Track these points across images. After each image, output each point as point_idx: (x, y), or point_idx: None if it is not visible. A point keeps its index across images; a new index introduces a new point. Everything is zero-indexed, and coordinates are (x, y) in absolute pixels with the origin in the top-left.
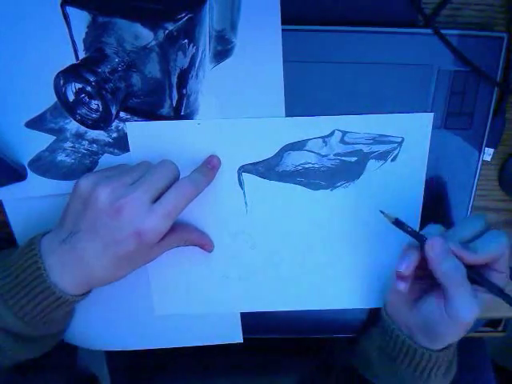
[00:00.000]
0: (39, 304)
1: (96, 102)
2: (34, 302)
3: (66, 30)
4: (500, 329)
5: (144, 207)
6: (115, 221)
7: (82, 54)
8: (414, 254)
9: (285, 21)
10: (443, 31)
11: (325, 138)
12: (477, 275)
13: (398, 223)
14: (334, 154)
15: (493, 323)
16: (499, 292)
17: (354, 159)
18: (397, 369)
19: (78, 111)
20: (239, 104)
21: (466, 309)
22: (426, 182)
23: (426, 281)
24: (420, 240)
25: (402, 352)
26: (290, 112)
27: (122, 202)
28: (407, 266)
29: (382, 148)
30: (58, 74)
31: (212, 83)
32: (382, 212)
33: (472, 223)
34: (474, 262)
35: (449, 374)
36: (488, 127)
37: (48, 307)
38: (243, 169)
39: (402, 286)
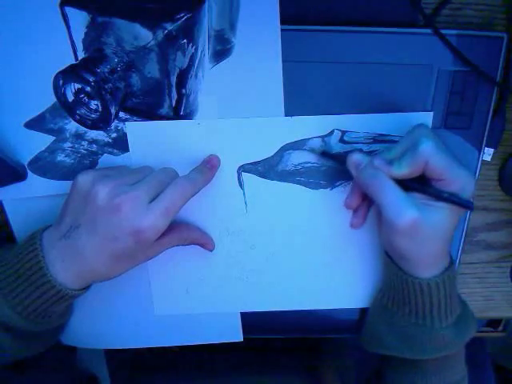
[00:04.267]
0: (39, 298)
1: (95, 102)
2: (33, 295)
3: (65, 31)
4: (500, 329)
5: (142, 205)
6: (114, 218)
7: (81, 55)
8: (354, 184)
9: (284, 21)
10: (443, 31)
11: (324, 138)
12: (416, 183)
13: (325, 154)
14: (334, 154)
15: (493, 323)
16: (438, 194)
17: None
18: (402, 324)
19: (78, 111)
20: (238, 104)
21: (394, 210)
22: None
23: None
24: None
25: (400, 293)
26: (290, 112)
27: (120, 200)
28: (349, 197)
29: (382, 147)
30: (57, 74)
31: (211, 83)
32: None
33: (401, 143)
34: (400, 173)
35: (461, 329)
36: (488, 127)
37: (47, 301)
38: (243, 168)
39: (353, 222)
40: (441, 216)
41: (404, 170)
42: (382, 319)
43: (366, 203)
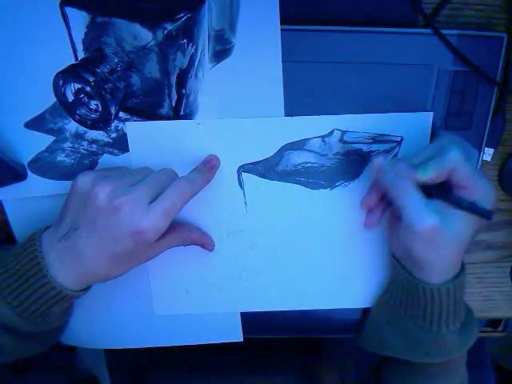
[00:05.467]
0: (39, 299)
1: (95, 102)
2: (33, 297)
3: (65, 31)
4: (500, 329)
5: (142, 206)
6: (114, 219)
7: (81, 55)
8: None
9: (284, 21)
10: (443, 31)
11: (324, 138)
12: (438, 190)
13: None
14: (334, 154)
15: (493, 323)
16: (459, 202)
17: (353, 158)
18: (407, 326)
19: (78, 111)
20: (238, 104)
21: (415, 214)
22: None
23: None
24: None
25: (407, 296)
26: (290, 112)
27: (120, 201)
28: (367, 195)
29: (382, 147)
30: (57, 74)
31: (211, 83)
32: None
33: (428, 148)
34: (425, 178)
35: (466, 334)
36: (488, 127)
37: (47, 302)
38: (243, 168)
39: (368, 221)
40: (460, 224)
41: (429, 175)
42: (386, 319)
43: (382, 204)
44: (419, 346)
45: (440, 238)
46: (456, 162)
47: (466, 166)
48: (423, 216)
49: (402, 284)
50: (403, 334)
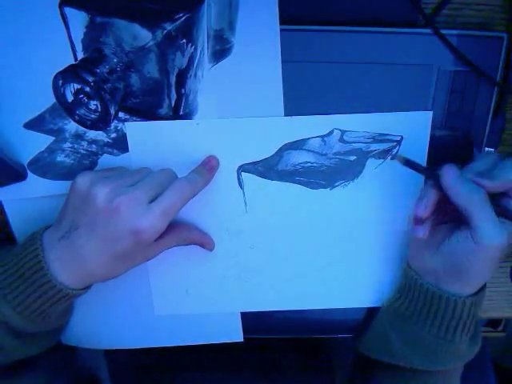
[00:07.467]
0: (39, 298)
1: (95, 102)
2: (33, 296)
3: (65, 31)
4: (500, 329)
5: (142, 206)
6: (113, 219)
7: (80, 55)
8: (430, 193)
9: (284, 21)
10: (443, 31)
11: (324, 137)
12: (500, 205)
13: (409, 163)
14: (334, 153)
15: (493, 323)
16: None
17: (353, 158)
18: (418, 334)
19: (77, 112)
20: (238, 103)
21: (491, 230)
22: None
23: (447, 224)
24: (434, 176)
25: (425, 306)
26: (289, 112)
27: (119, 201)
28: (425, 208)
29: (382, 147)
30: (56, 74)
31: (211, 83)
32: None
33: (485, 158)
34: (493, 189)
35: (473, 343)
36: (488, 127)
37: (48, 301)
38: (242, 168)
39: (421, 233)
40: (510, 240)
41: (497, 183)
42: (393, 326)
43: (434, 214)
44: (428, 353)
45: (499, 254)
46: None
47: None
48: (499, 233)
49: (419, 293)
50: (411, 341)
